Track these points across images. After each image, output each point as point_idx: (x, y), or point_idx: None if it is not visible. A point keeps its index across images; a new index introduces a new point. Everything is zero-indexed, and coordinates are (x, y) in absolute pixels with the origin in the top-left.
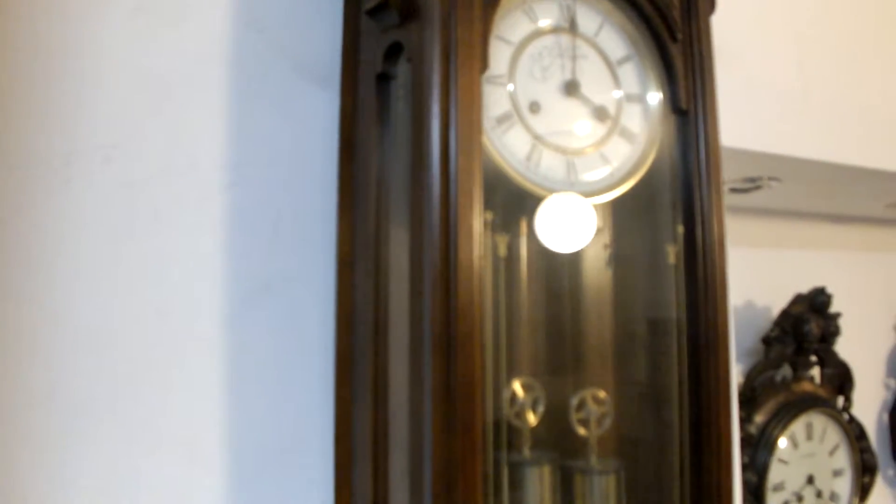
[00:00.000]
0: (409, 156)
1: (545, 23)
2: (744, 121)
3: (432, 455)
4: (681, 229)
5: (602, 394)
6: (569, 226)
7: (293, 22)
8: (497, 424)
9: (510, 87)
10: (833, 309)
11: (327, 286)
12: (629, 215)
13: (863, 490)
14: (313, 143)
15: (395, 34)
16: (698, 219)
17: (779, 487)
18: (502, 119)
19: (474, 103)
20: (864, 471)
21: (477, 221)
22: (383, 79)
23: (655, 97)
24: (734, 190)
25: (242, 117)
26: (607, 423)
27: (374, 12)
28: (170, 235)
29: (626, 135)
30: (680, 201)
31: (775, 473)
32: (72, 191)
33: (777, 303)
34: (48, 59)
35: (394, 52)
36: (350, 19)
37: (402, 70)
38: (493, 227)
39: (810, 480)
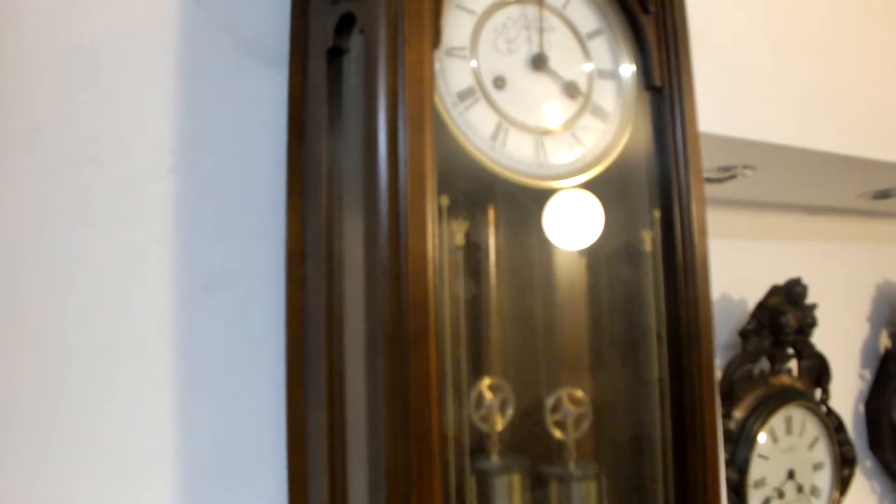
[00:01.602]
0: (361, 135)
1: None
2: (718, 105)
3: (386, 464)
4: (657, 214)
5: (579, 393)
6: (575, 222)
7: None
8: (461, 430)
9: (473, 62)
10: (808, 301)
11: (276, 281)
12: (602, 200)
13: (843, 483)
14: (259, 126)
15: (347, 4)
16: (676, 202)
17: (760, 483)
18: (464, 95)
19: (424, 79)
20: (844, 463)
21: (430, 208)
22: (335, 54)
23: (629, 72)
24: (708, 180)
25: (181, 98)
26: (585, 425)
27: None
28: (100, 228)
29: (599, 113)
30: (656, 184)
31: (756, 469)
32: None
33: (752, 295)
34: None
35: (346, 25)
36: None
37: (354, 43)
38: (453, 214)
39: (791, 475)
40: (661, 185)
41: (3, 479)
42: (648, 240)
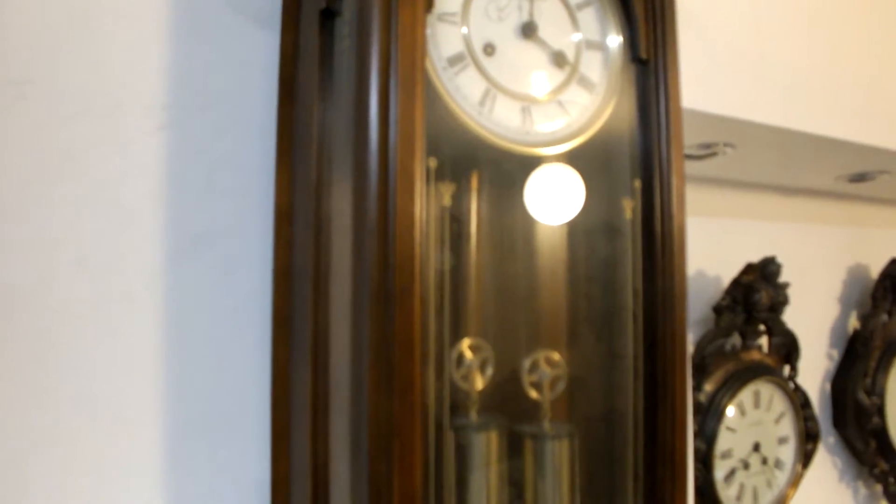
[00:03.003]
0: (353, 97)
1: None
2: (701, 82)
3: (368, 417)
4: (638, 184)
5: (556, 356)
6: (556, 196)
7: None
8: (441, 387)
9: (464, 28)
10: (781, 279)
11: (264, 239)
12: (586, 168)
13: (806, 457)
14: (250, 86)
15: None
16: (657, 174)
17: (726, 455)
18: (454, 60)
19: (417, 43)
20: (808, 438)
21: (419, 169)
22: (328, 15)
23: (616, 44)
24: (689, 157)
25: (173, 55)
26: (561, 386)
27: None
28: (90, 182)
29: (585, 83)
30: (638, 155)
31: (723, 441)
32: None
33: (727, 272)
34: None
35: None
36: None
37: (347, 5)
38: (440, 176)
39: (756, 448)
40: (642, 157)
41: None
42: (629, 209)
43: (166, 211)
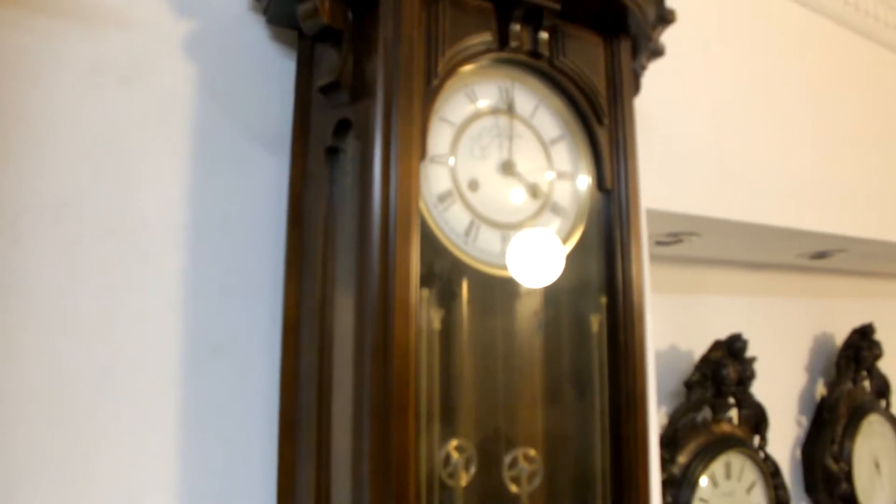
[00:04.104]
0: (355, 229)
1: (485, 104)
2: (666, 185)
3: None
4: (604, 300)
5: (533, 452)
6: (538, 260)
7: (246, 89)
8: (430, 485)
9: (451, 163)
10: (750, 350)
11: (273, 348)
12: (558, 287)
13: None
14: (263, 208)
15: (345, 111)
16: (620, 290)
17: None
18: (444, 196)
19: (412, 189)
20: None
21: (413, 299)
22: (332, 151)
23: (584, 176)
24: (659, 243)
25: (193, 180)
26: (538, 480)
27: (326, 90)
28: (118, 294)
29: (557, 210)
30: (604, 274)
31: None
32: (20, 249)
33: (699, 346)
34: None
35: (343, 128)
36: (301, 91)
37: (350, 145)
38: (431, 302)
39: None
40: (607, 275)
41: None
42: (596, 322)
43: (184, 321)
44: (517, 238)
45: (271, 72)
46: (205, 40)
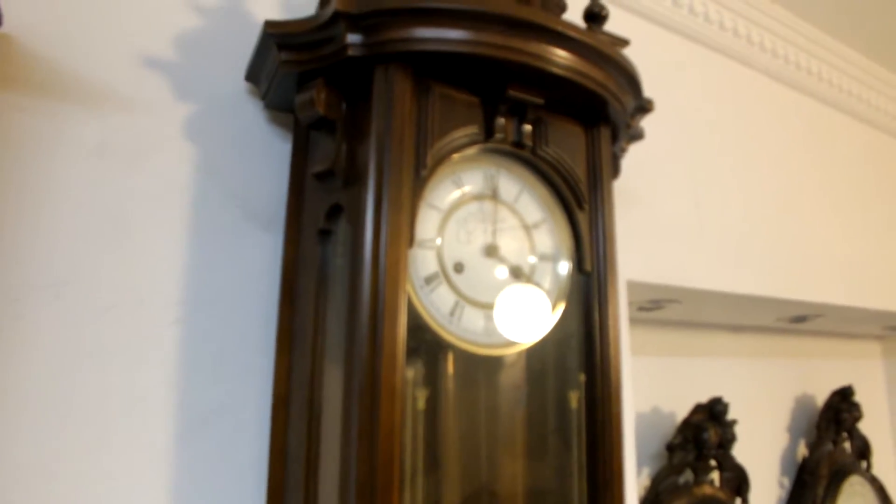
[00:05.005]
0: (345, 310)
1: (471, 190)
2: (646, 257)
3: None
4: (582, 378)
5: None
6: (524, 316)
7: (244, 171)
8: None
9: (438, 244)
10: (732, 410)
11: (262, 422)
12: (539, 364)
13: None
14: (256, 284)
15: (338, 196)
16: (598, 368)
17: None
18: (430, 279)
19: (400, 275)
20: None
21: (399, 381)
22: (324, 233)
23: (564, 258)
24: (641, 308)
25: (191, 257)
26: None
27: (320, 176)
28: (114, 370)
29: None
30: (582, 352)
31: None
32: (20, 327)
33: (681, 408)
34: (2, 197)
35: (335, 212)
36: (296, 175)
37: (341, 228)
38: (416, 382)
39: None
40: (586, 353)
41: None
42: (575, 399)
43: (179, 394)
44: (506, 291)
45: (268, 153)
46: (205, 122)
